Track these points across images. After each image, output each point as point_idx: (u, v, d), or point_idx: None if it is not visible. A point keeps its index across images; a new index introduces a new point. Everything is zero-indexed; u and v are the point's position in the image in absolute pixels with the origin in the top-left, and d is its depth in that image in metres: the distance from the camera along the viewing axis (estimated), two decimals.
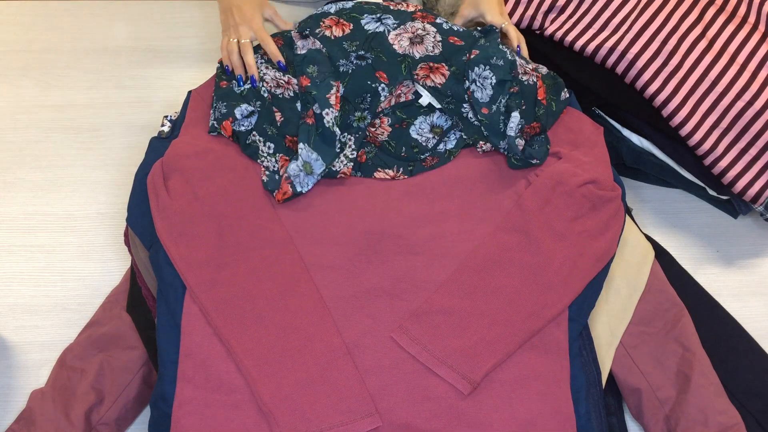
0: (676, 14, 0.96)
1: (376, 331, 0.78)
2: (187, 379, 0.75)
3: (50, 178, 1.08)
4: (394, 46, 0.90)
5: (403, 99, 0.90)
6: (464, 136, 0.89)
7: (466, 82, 0.89)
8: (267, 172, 0.86)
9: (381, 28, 0.91)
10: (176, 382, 0.76)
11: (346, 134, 0.87)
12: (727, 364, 0.87)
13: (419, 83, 0.89)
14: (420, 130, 0.90)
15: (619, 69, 0.95)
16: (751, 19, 0.96)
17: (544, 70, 0.93)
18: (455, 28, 0.93)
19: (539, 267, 0.80)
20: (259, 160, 0.87)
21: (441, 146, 0.89)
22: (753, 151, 0.91)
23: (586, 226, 0.83)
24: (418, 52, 0.90)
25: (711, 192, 1.00)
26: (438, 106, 0.89)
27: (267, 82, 0.90)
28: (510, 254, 0.81)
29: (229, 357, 0.76)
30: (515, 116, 0.85)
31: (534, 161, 0.86)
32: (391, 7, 0.94)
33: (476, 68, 0.87)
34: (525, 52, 0.95)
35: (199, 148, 0.87)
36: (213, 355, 0.76)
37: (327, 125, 0.85)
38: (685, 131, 0.92)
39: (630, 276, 0.88)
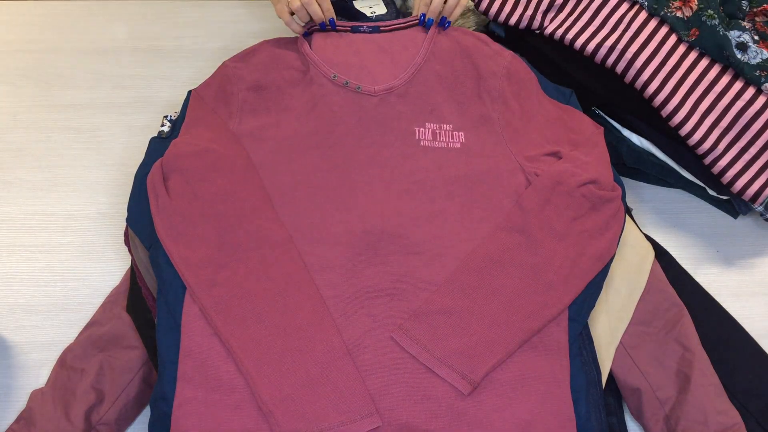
0: None
1: (376, 331, 0.78)
2: (187, 379, 0.75)
3: (50, 178, 1.08)
4: None
5: None
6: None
7: None
8: None
9: None
10: (176, 382, 0.76)
11: None
12: (727, 364, 0.87)
13: None
14: None
15: (619, 68, 0.95)
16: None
17: None
18: None
19: (539, 267, 0.80)
20: None
21: None
22: (753, 150, 0.91)
23: (586, 225, 0.83)
24: None
25: (711, 192, 1.00)
26: None
27: None
28: (510, 254, 0.81)
29: (229, 357, 0.76)
30: None
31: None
32: None
33: None
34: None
35: (199, 148, 0.87)
36: (213, 355, 0.76)
37: None
38: (684, 131, 0.92)
39: (630, 276, 0.88)
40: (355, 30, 0.98)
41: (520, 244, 0.82)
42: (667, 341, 0.85)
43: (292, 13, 0.94)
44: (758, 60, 0.91)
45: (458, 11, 0.96)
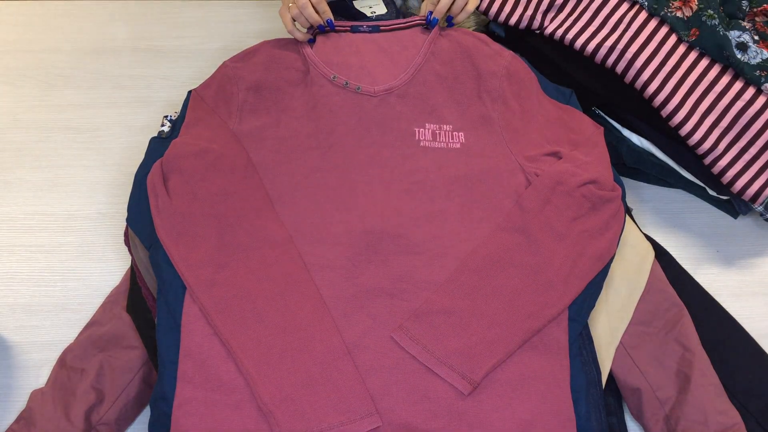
0: None
1: (376, 331, 0.78)
2: (187, 379, 0.75)
3: (50, 178, 1.08)
4: None
5: None
6: None
7: None
8: None
9: None
10: (176, 382, 0.76)
11: None
12: (727, 364, 0.87)
13: None
14: None
15: (619, 68, 0.95)
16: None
17: None
18: None
19: (539, 267, 0.80)
20: None
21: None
22: (753, 150, 0.91)
23: (586, 226, 0.83)
24: None
25: (711, 192, 1.00)
26: None
27: None
28: (510, 254, 0.81)
29: (229, 357, 0.76)
30: None
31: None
32: None
33: None
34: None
35: (198, 148, 0.87)
36: (213, 355, 0.76)
37: None
38: (684, 131, 0.92)
39: (630, 276, 0.88)
40: (355, 30, 0.98)
41: (520, 244, 0.82)
42: (667, 341, 0.85)
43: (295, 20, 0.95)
44: (758, 60, 0.91)
45: (463, 16, 0.96)
